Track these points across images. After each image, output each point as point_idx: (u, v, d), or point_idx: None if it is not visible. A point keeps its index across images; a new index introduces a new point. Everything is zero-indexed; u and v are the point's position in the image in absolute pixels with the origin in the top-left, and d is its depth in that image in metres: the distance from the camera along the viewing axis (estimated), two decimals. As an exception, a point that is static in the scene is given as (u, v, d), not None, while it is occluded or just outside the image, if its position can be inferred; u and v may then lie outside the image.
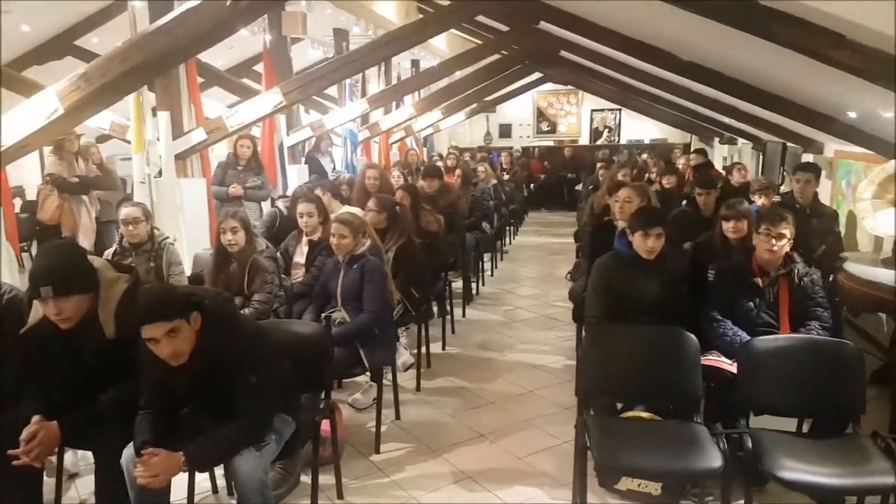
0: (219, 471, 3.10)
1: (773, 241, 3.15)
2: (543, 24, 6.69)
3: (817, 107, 4.97)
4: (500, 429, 3.83)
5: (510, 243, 10.00)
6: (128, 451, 2.41)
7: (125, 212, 3.98)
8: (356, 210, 5.13)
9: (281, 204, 5.40)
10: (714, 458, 2.50)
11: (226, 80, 9.03)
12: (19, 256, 4.84)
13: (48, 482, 2.81)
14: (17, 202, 6.66)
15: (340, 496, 3.13)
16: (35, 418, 2.43)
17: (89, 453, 2.92)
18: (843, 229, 5.14)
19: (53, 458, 2.93)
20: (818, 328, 3.14)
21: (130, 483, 2.38)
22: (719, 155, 12.18)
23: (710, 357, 3.10)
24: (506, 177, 11.10)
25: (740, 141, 10.35)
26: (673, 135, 14.35)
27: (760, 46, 3.35)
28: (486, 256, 7.71)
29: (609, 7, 4.76)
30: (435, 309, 5.21)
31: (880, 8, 2.40)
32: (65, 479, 3.08)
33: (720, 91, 5.85)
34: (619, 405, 3.16)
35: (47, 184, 5.97)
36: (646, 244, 3.34)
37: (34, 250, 7.17)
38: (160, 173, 5.33)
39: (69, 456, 3.22)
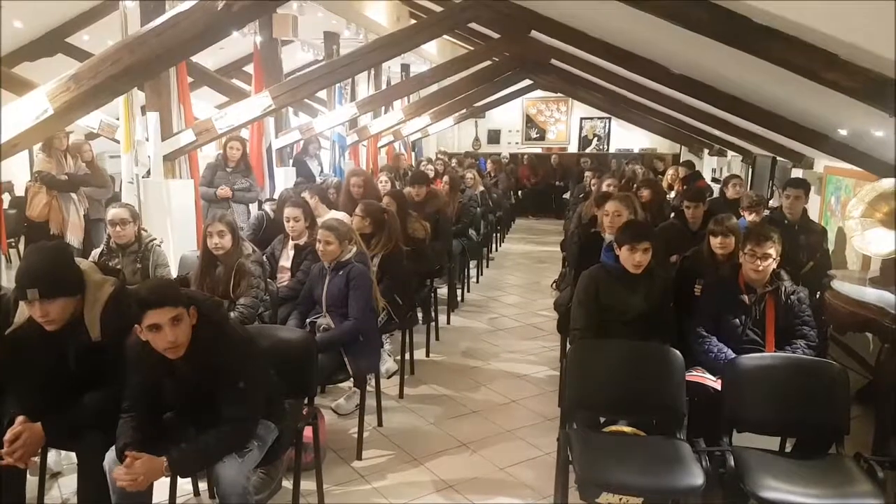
0: (200, 473, 3.08)
1: (759, 261, 3.14)
2: (535, 33, 6.71)
3: (808, 123, 5.00)
4: (483, 438, 3.83)
5: (496, 250, 10.02)
6: (110, 454, 2.40)
7: (113, 213, 3.99)
8: (342, 215, 5.13)
9: (268, 207, 5.38)
10: (696, 476, 2.50)
11: (215, 80, 9.00)
12: (7, 253, 4.80)
13: (31, 481, 2.82)
14: (6, 198, 6.61)
15: (322, 503, 3.11)
16: (19, 419, 2.43)
17: (73, 453, 2.92)
18: (831, 246, 5.18)
19: (37, 458, 2.93)
20: (804, 347, 3.15)
21: (112, 484, 2.37)
22: (708, 167, 12.27)
23: (695, 373, 3.11)
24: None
25: (730, 153, 10.42)
26: (662, 145, 14.44)
27: (752, 62, 3.36)
28: (472, 263, 7.72)
29: (600, 19, 4.78)
30: (419, 315, 5.21)
31: (878, 30, 2.40)
32: (48, 478, 3.08)
33: (710, 104, 5.89)
34: (602, 419, 3.16)
35: (36, 181, 5.92)
36: (633, 258, 3.35)
37: (22, 246, 7.11)
38: (148, 173, 5.31)
39: (52, 455, 3.21)
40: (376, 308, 3.88)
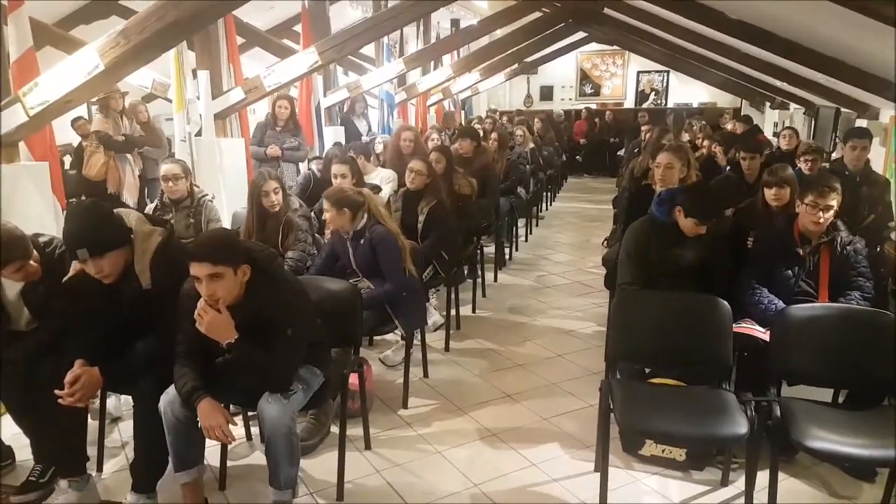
0: (252, 415, 3.18)
1: (821, 213, 3.01)
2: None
3: (870, 68, 4.75)
4: (527, 390, 3.84)
5: (547, 209, 9.91)
6: (166, 396, 2.50)
7: (165, 168, 4.09)
8: (389, 173, 5.15)
9: (314, 166, 5.43)
10: (740, 425, 2.46)
11: (266, 40, 9.05)
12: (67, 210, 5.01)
13: (92, 425, 2.96)
14: (67, 159, 6.83)
15: (368, 447, 3.21)
16: (78, 362, 2.56)
17: (131, 398, 3.04)
18: (895, 198, 4.93)
19: (96, 403, 3.09)
20: (858, 298, 3.04)
21: (167, 425, 2.49)
22: (770, 120, 11.81)
23: (744, 325, 3.02)
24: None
25: (792, 106, 10.00)
26: (723, 99, 13.92)
27: (810, 3, 3.20)
28: (521, 222, 7.65)
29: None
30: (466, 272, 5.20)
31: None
32: (108, 423, 3.25)
33: (769, 51, 5.64)
34: (648, 371, 3.13)
35: (93, 141, 6.12)
36: (697, 230, 3.24)
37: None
38: (200, 132, 5.43)
39: (112, 401, 3.39)
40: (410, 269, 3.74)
